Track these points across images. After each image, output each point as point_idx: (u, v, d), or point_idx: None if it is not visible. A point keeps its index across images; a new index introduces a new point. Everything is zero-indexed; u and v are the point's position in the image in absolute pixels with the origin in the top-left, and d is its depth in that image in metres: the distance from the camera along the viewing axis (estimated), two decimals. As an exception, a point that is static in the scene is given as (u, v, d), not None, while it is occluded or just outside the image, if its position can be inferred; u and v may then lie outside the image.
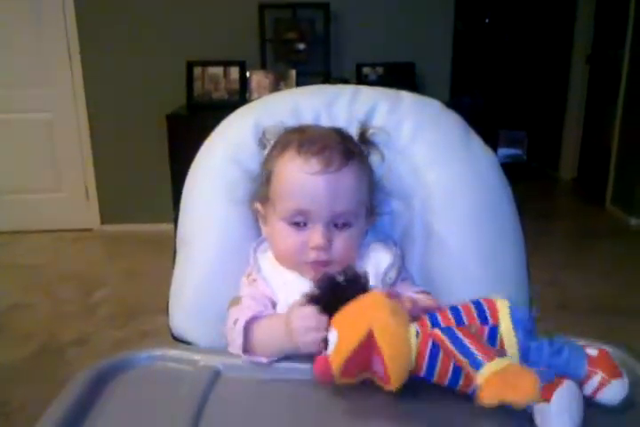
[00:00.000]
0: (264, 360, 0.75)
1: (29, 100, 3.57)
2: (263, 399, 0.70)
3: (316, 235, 0.81)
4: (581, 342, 0.76)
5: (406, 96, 1.00)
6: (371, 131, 0.91)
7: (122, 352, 0.77)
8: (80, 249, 3.57)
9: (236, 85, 3.38)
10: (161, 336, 2.56)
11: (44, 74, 3.52)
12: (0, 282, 3.03)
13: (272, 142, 0.90)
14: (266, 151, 0.91)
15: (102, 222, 3.77)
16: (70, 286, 3.01)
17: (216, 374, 0.74)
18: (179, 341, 0.90)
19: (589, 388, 0.66)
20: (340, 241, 0.82)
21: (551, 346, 0.67)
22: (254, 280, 0.85)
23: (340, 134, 0.87)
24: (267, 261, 0.87)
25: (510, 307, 0.68)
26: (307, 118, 0.96)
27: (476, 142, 0.98)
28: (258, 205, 0.89)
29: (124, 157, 3.64)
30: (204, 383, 0.72)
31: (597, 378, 0.66)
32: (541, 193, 4.76)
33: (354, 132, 0.91)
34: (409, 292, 0.84)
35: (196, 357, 0.78)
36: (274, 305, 0.83)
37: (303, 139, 0.84)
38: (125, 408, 0.68)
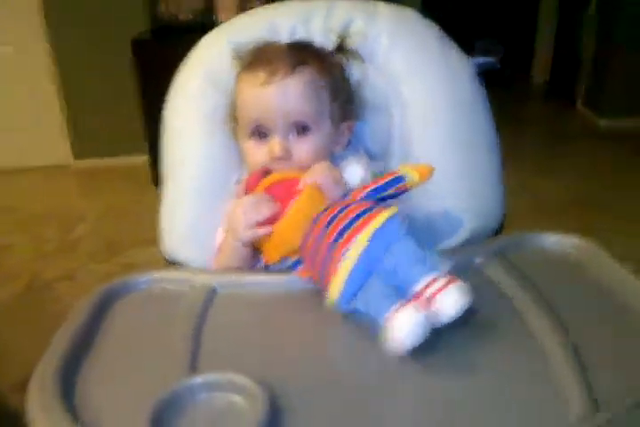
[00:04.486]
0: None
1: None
2: (259, 312, 0.73)
3: (274, 146, 0.84)
4: (555, 236, 0.81)
5: (383, 7, 0.99)
6: (350, 39, 0.91)
7: (120, 277, 0.78)
8: (55, 186, 3.53)
9: (201, 5, 3.23)
10: (145, 268, 2.59)
11: (3, 5, 3.33)
12: (-25, 224, 2.99)
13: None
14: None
15: (75, 158, 3.70)
16: (49, 223, 3.00)
17: (212, 292, 0.76)
18: (172, 264, 0.92)
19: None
20: (300, 148, 0.85)
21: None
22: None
23: (293, 46, 0.88)
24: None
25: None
26: (283, 36, 0.95)
27: (454, 53, 0.97)
28: (232, 124, 0.91)
29: (93, 88, 3.51)
30: (202, 301, 0.74)
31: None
32: (514, 98, 4.76)
33: (331, 44, 0.91)
34: None
35: (191, 276, 0.79)
36: None
37: (255, 57, 0.86)
38: (129, 329, 0.71)
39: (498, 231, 0.95)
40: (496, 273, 0.75)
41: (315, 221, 0.72)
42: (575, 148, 3.63)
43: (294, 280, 0.76)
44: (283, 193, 0.79)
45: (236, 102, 0.88)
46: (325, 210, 0.72)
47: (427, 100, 0.93)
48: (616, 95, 3.79)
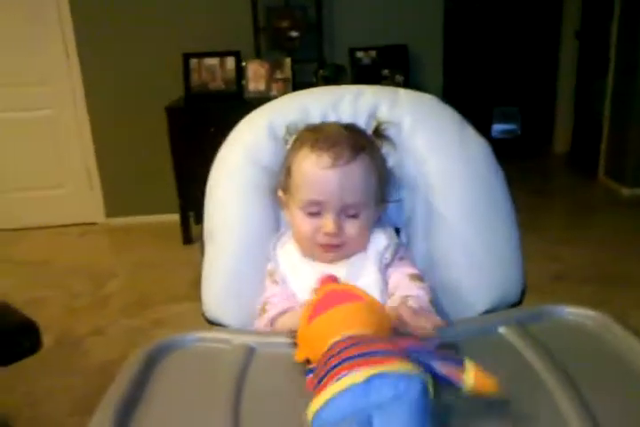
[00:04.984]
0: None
1: (29, 98, 3.62)
2: (296, 372, 0.77)
3: (328, 222, 0.92)
4: (572, 307, 0.86)
5: (404, 93, 1.09)
6: (383, 125, 1.00)
7: (165, 336, 0.84)
8: (87, 243, 3.65)
9: (233, 75, 3.42)
10: (174, 324, 2.64)
11: (43, 71, 3.57)
12: (11, 278, 3.09)
13: (292, 139, 0.99)
14: (287, 146, 1.00)
15: (107, 216, 3.84)
16: (80, 279, 3.08)
17: (251, 351, 0.82)
18: (212, 324, 0.98)
19: None
20: (350, 228, 0.93)
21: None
22: (276, 282, 0.96)
23: (351, 130, 0.96)
24: (285, 255, 0.98)
25: None
26: (315, 118, 1.05)
27: (470, 133, 1.06)
28: (281, 194, 1.00)
29: (125, 150, 3.71)
30: (241, 360, 0.80)
31: None
32: (536, 168, 4.85)
33: (363, 126, 1.00)
34: (403, 272, 0.94)
35: (230, 336, 0.86)
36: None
37: (317, 137, 0.93)
38: (174, 386, 0.76)
39: (518, 302, 1.00)
40: (516, 342, 0.80)
41: (345, 338, 0.67)
42: (598, 217, 3.67)
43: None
44: (340, 299, 0.73)
45: (293, 177, 0.95)
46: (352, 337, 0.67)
47: (447, 178, 1.02)
48: (637, 164, 3.85)
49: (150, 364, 0.79)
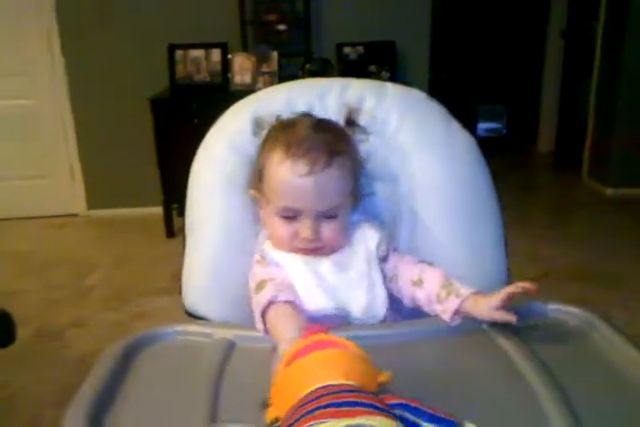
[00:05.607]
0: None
1: (11, 88, 3.56)
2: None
3: (304, 228, 0.91)
4: (557, 305, 0.86)
5: (391, 87, 1.08)
6: (355, 113, 0.99)
7: (146, 329, 0.83)
8: (69, 234, 3.60)
9: (218, 67, 3.39)
10: (155, 317, 2.61)
11: (25, 61, 3.51)
12: (-9, 269, 3.05)
13: (264, 132, 0.98)
14: (259, 139, 0.98)
15: (89, 208, 3.80)
16: (62, 271, 3.05)
17: (231, 345, 0.81)
18: (193, 317, 0.97)
19: None
20: (327, 230, 0.92)
21: None
22: (268, 266, 0.93)
23: (325, 130, 0.93)
24: (269, 246, 0.96)
25: None
26: (299, 109, 1.02)
27: (457, 129, 1.05)
28: (253, 193, 0.98)
29: (108, 141, 3.66)
30: (221, 354, 0.79)
31: None
32: (521, 167, 4.88)
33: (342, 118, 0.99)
34: (413, 259, 0.94)
35: (211, 330, 0.85)
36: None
37: (290, 140, 0.91)
38: (152, 379, 0.75)
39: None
40: (500, 339, 0.80)
41: (324, 386, 0.59)
42: (581, 216, 3.70)
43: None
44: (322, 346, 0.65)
45: (268, 182, 0.92)
46: (328, 386, 0.59)
47: (432, 173, 1.01)
48: (620, 164, 3.89)
49: (128, 357, 0.78)
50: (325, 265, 0.93)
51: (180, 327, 0.84)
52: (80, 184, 3.75)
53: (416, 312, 0.93)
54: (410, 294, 0.93)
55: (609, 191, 3.93)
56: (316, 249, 0.93)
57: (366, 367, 0.63)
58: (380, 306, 0.93)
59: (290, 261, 0.93)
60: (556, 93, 4.96)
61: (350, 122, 0.99)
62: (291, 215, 0.91)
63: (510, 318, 0.79)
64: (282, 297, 0.85)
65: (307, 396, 0.58)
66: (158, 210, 3.36)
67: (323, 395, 0.57)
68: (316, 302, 0.89)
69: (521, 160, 5.05)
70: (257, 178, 0.95)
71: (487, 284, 0.98)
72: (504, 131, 5.77)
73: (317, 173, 0.88)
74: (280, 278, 0.90)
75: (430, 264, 0.94)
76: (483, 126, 5.71)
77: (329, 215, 0.91)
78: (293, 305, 0.84)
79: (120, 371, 0.74)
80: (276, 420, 0.60)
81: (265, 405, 0.64)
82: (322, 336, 0.67)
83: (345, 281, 0.92)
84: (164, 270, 2.71)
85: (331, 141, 0.92)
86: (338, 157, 0.91)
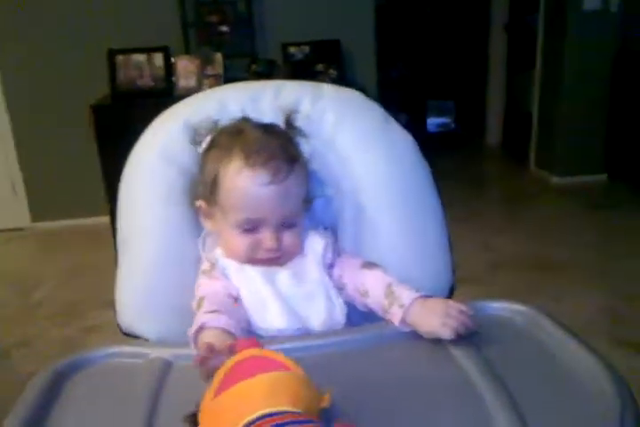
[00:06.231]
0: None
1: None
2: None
3: (267, 239, 0.87)
4: (501, 302, 0.86)
5: (327, 89, 1.05)
6: (294, 115, 0.95)
7: (75, 353, 0.79)
8: (13, 249, 3.48)
9: (162, 72, 3.32)
10: (106, 331, 2.54)
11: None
12: None
13: (206, 140, 0.93)
14: (201, 149, 0.93)
15: (33, 220, 3.67)
16: (6, 287, 2.93)
17: (167, 365, 0.78)
18: (128, 336, 0.92)
19: None
20: (288, 238, 0.89)
21: None
22: (215, 277, 0.89)
23: (276, 136, 0.90)
24: (220, 256, 0.92)
25: None
26: (233, 114, 0.98)
27: (395, 129, 1.03)
28: (201, 203, 0.93)
29: (50, 150, 3.54)
30: (157, 374, 0.75)
31: None
32: (470, 160, 4.95)
33: (279, 121, 0.95)
34: (355, 264, 0.92)
35: (147, 350, 0.81)
36: (236, 299, 0.87)
37: (247, 148, 0.86)
38: (84, 405, 0.71)
39: (448, 296, 0.98)
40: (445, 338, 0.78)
41: (267, 415, 0.54)
42: (530, 205, 3.76)
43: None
44: (260, 367, 0.60)
45: (224, 193, 0.87)
46: (284, 413, 0.55)
47: (372, 178, 0.99)
48: (565, 153, 3.97)
49: (58, 382, 0.73)
50: (282, 276, 0.90)
51: (112, 349, 0.80)
52: (22, 196, 3.62)
53: (370, 317, 0.91)
54: (361, 302, 0.91)
55: (555, 180, 4.01)
56: (276, 258, 0.90)
57: (310, 392, 0.60)
58: (339, 313, 0.90)
59: (244, 275, 0.89)
60: (501, 87, 5.04)
61: (289, 124, 0.95)
62: (250, 227, 0.87)
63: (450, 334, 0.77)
64: (212, 323, 0.79)
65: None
66: (105, 219, 3.26)
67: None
68: (271, 317, 0.86)
69: (470, 153, 5.11)
70: (206, 189, 0.90)
71: (433, 282, 0.98)
72: (453, 125, 5.84)
73: (279, 183, 0.85)
74: (221, 294, 0.86)
75: (372, 267, 0.92)
76: (433, 121, 5.77)
77: (289, 224, 0.89)
78: (223, 330, 0.78)
79: (50, 397, 0.70)
80: None
81: (190, 421, 0.60)
82: (256, 351, 0.62)
83: (303, 292, 0.90)
84: (112, 282, 2.63)
85: (286, 147, 0.88)
86: (296, 164, 0.88)
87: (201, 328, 0.78)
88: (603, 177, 4.01)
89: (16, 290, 2.90)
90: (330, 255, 0.93)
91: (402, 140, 1.02)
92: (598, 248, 3.06)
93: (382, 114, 1.03)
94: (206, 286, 0.89)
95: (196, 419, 0.60)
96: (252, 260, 0.89)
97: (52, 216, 3.65)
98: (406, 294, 0.84)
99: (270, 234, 0.87)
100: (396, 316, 0.83)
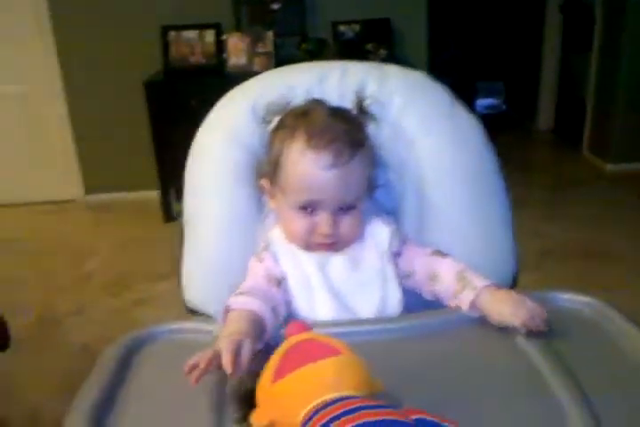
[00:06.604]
0: None
1: (2, 73, 3.49)
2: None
3: (323, 223, 0.86)
4: (568, 294, 0.85)
5: (392, 70, 1.04)
6: (367, 101, 0.94)
7: (143, 327, 0.81)
8: (65, 220, 3.56)
9: (212, 49, 3.33)
10: (155, 304, 2.60)
11: (16, 46, 3.43)
12: (-12, 257, 3.02)
13: (275, 119, 0.92)
14: (270, 127, 0.93)
15: (86, 193, 3.76)
16: (59, 257, 3.02)
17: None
18: (193, 313, 0.94)
19: None
20: (346, 224, 0.88)
21: None
22: (262, 259, 0.90)
23: (344, 119, 0.88)
24: (276, 235, 0.92)
25: None
26: (300, 96, 0.97)
27: (461, 111, 1.02)
28: (265, 182, 0.93)
29: (103, 125, 3.60)
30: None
31: None
32: (521, 144, 4.83)
33: (348, 105, 0.93)
34: (426, 251, 0.91)
35: (210, 327, 0.82)
36: (279, 282, 0.87)
37: (311, 129, 0.85)
38: (153, 382, 0.73)
39: (511, 287, 0.97)
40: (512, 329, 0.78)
41: (335, 399, 0.55)
42: (581, 193, 3.66)
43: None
44: (314, 354, 0.60)
45: (286, 173, 0.87)
46: (353, 397, 0.55)
47: (438, 157, 0.98)
48: (620, 139, 3.85)
49: (127, 357, 0.75)
50: (336, 261, 0.89)
51: (176, 325, 0.82)
52: (76, 169, 3.70)
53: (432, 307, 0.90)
54: (429, 289, 0.90)
55: (609, 167, 3.89)
56: (333, 244, 0.89)
57: (367, 374, 0.60)
58: (395, 305, 0.89)
59: (295, 259, 0.89)
60: (555, 69, 4.89)
61: (362, 109, 0.93)
62: (308, 208, 0.87)
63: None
64: (236, 305, 0.79)
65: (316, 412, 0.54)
66: (156, 194, 3.33)
67: (341, 414, 0.53)
68: (318, 307, 0.87)
69: (521, 137, 4.99)
70: (270, 168, 0.90)
71: (498, 269, 0.97)
72: (503, 107, 5.72)
73: (341, 166, 0.84)
74: (259, 276, 0.87)
75: (443, 255, 0.91)
76: (482, 103, 5.65)
77: (348, 208, 0.87)
78: (249, 312, 0.78)
79: (120, 372, 0.72)
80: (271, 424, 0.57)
81: (240, 422, 0.61)
82: (307, 336, 0.62)
83: (356, 279, 0.89)
84: (162, 256, 2.67)
85: (351, 131, 0.87)
86: (360, 149, 0.86)
87: (226, 310, 0.79)
88: (659, 165, 3.89)
89: (69, 260, 2.98)
90: (396, 243, 0.92)
91: (468, 124, 1.01)
92: (651, 239, 2.98)
93: (449, 97, 1.02)
94: (252, 268, 0.90)
95: (251, 400, 0.61)
96: (308, 243, 0.89)
97: (105, 189, 3.73)
98: (479, 280, 0.83)
99: (327, 218, 0.86)
100: (466, 299, 0.82)
